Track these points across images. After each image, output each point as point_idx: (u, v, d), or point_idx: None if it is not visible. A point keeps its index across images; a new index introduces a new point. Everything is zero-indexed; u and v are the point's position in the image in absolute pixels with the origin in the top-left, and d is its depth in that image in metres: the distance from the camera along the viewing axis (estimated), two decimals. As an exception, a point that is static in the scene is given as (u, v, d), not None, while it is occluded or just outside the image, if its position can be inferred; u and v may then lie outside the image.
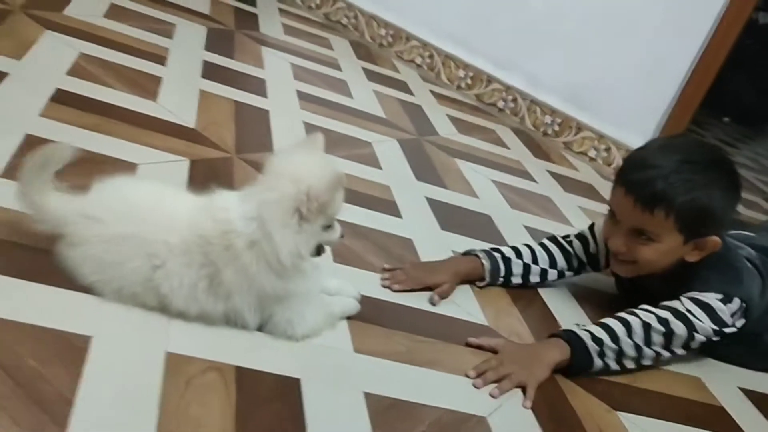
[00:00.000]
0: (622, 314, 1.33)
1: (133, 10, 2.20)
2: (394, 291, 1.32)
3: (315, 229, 0.98)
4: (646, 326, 1.30)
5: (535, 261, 1.50)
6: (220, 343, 1.00)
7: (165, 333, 0.97)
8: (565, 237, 1.57)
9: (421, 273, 1.37)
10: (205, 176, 1.42)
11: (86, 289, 0.98)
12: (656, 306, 1.35)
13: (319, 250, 1.04)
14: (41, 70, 1.58)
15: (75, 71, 1.63)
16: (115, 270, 0.96)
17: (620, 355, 1.29)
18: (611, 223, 1.40)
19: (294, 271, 0.98)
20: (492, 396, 1.15)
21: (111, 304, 0.98)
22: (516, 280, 1.49)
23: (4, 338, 0.85)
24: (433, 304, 1.33)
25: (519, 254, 1.49)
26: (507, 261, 1.47)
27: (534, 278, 1.51)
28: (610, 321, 1.32)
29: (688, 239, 1.33)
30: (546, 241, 1.55)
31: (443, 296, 1.35)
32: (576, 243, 1.55)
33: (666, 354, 1.33)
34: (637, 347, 1.30)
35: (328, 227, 1.02)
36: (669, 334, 1.31)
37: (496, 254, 1.46)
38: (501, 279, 1.46)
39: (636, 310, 1.34)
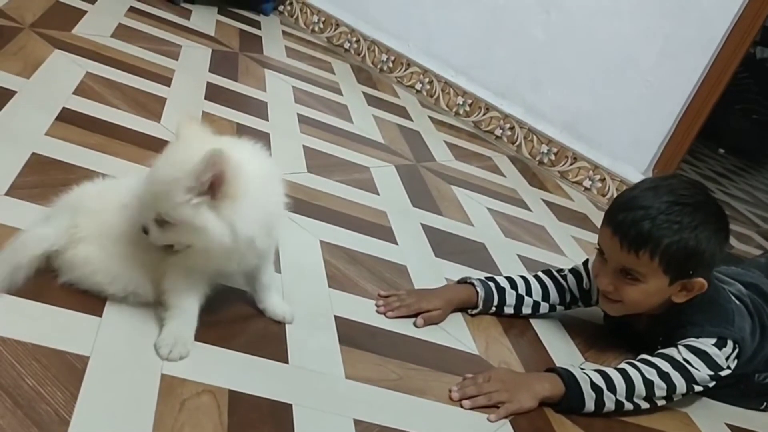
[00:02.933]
0: (625, 366, 1.33)
1: (141, 30, 2.24)
2: (388, 318, 1.34)
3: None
4: (648, 384, 1.31)
5: (528, 293, 1.53)
6: (214, 365, 1.03)
7: (161, 355, 1.00)
8: (560, 271, 1.59)
9: (415, 300, 1.39)
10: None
11: (84, 308, 1.00)
12: (651, 352, 1.37)
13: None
14: (49, 88, 1.61)
15: (81, 90, 1.66)
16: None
17: (617, 405, 1.30)
18: (599, 262, 1.42)
19: None
20: (463, 407, 1.17)
21: (109, 324, 1.00)
22: (508, 310, 1.51)
23: (3, 357, 0.87)
24: (416, 326, 1.35)
25: (513, 285, 1.51)
26: (501, 291, 1.49)
27: (526, 310, 1.53)
28: (611, 372, 1.31)
29: (674, 280, 1.34)
30: (541, 274, 1.57)
31: (430, 322, 1.37)
32: (570, 278, 1.57)
33: (663, 403, 1.35)
34: (636, 403, 1.31)
35: None
36: (670, 389, 1.32)
37: (491, 283, 1.49)
38: (494, 308, 1.49)
39: (638, 364, 1.33)
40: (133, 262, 1.02)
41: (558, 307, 1.57)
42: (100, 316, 1.01)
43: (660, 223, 1.29)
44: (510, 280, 1.52)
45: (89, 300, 1.02)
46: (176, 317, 1.03)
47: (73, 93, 1.63)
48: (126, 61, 1.95)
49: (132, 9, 2.41)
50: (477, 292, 1.46)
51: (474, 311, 1.47)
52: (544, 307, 1.55)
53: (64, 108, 1.54)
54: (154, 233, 0.98)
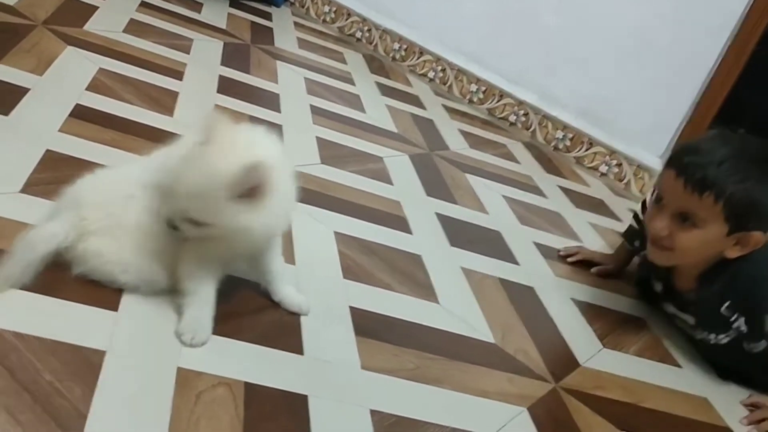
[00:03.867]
0: None
1: (152, 25, 2.25)
2: (568, 262, 1.78)
3: None
4: None
5: None
6: (230, 358, 1.03)
7: (176, 347, 1.00)
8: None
9: (592, 252, 1.81)
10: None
11: (100, 303, 1.01)
12: (686, 325, 1.47)
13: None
14: (62, 85, 1.61)
15: (94, 86, 1.67)
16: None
17: None
18: (656, 207, 1.41)
19: None
20: None
21: (124, 318, 1.01)
22: None
23: (21, 353, 0.88)
24: (593, 273, 1.78)
25: None
26: None
27: None
28: None
29: (732, 231, 1.32)
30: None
31: (605, 273, 1.79)
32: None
33: None
34: None
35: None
36: None
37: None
38: None
39: None
40: (145, 251, 1.03)
41: None
42: (116, 310, 1.01)
43: (726, 170, 1.27)
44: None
45: (105, 295, 1.03)
46: (195, 303, 1.04)
47: (86, 89, 1.64)
48: (138, 56, 1.96)
49: (143, 4, 2.41)
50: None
51: None
52: None
53: (77, 104, 1.54)
54: (187, 230, 0.99)
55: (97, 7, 2.17)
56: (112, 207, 1.03)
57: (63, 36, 1.86)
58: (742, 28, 2.43)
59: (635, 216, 1.74)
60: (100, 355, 0.93)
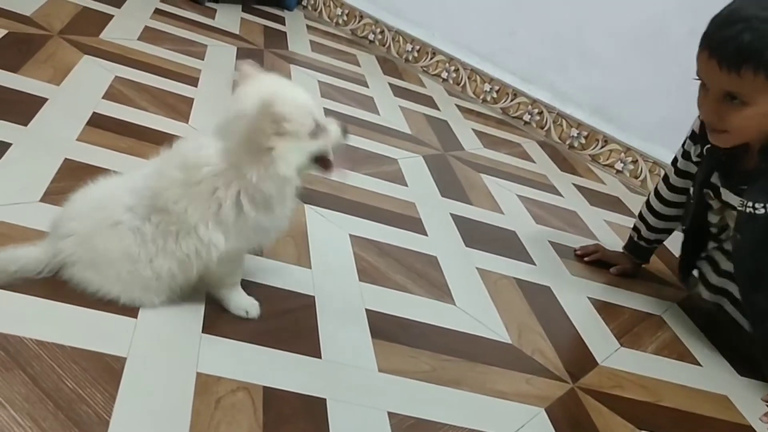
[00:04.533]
0: None
1: (166, 32, 2.27)
2: (585, 261, 1.79)
3: (290, 149, 0.99)
4: None
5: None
6: (248, 363, 1.04)
7: (195, 353, 1.01)
8: (671, 188, 1.69)
9: (611, 252, 1.81)
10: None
11: (120, 310, 1.02)
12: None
13: (324, 164, 1.07)
14: (79, 94, 1.64)
15: (110, 95, 1.69)
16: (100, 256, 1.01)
17: None
18: (702, 93, 1.34)
19: (280, 198, 1.01)
20: None
21: (144, 324, 1.02)
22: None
23: (44, 360, 0.90)
24: (611, 273, 1.79)
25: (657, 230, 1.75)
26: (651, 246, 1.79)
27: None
28: None
29: None
30: (663, 209, 1.72)
31: (623, 273, 1.79)
32: (680, 184, 1.67)
33: None
34: None
35: (314, 135, 1.02)
36: None
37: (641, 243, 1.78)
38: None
39: None
40: (134, 277, 1.02)
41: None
42: (136, 317, 1.03)
43: (763, 33, 1.18)
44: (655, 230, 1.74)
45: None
46: (236, 289, 1.12)
47: (103, 97, 1.66)
48: (153, 63, 1.98)
49: (157, 11, 2.44)
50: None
51: None
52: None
53: (94, 113, 1.57)
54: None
55: (112, 16, 2.20)
56: (97, 239, 1.01)
57: (79, 45, 1.88)
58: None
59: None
60: (121, 361, 0.94)
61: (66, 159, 1.35)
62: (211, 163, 0.98)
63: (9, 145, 1.32)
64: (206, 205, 0.99)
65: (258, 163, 0.97)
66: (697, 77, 1.34)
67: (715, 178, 1.52)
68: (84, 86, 1.68)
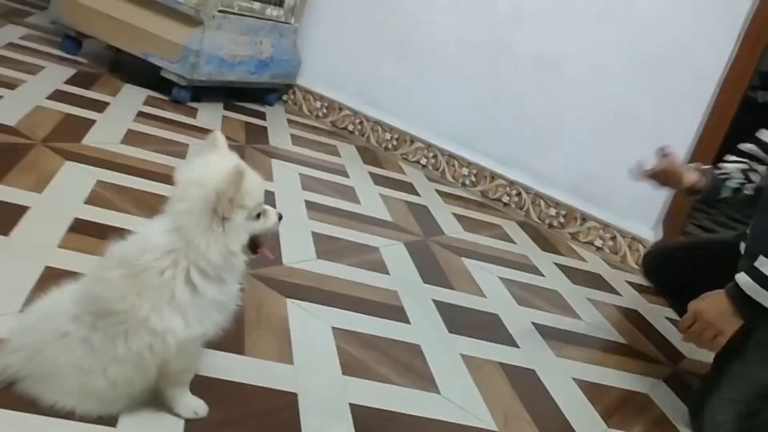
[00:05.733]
0: None
1: (149, 134, 2.32)
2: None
3: (241, 223, 1.00)
4: None
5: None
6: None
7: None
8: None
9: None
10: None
11: (98, 420, 1.01)
12: None
13: (254, 246, 1.06)
14: (60, 200, 1.66)
15: (92, 199, 1.72)
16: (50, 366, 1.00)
17: None
18: None
19: (228, 270, 1.01)
20: None
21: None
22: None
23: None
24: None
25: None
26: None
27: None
28: None
29: None
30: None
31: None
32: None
33: None
34: None
35: (257, 216, 1.04)
36: None
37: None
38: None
39: None
40: (87, 389, 1.00)
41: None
42: (115, 426, 1.02)
43: None
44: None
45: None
46: (186, 390, 1.10)
47: (85, 202, 1.69)
48: (135, 165, 2.02)
49: (140, 113, 2.50)
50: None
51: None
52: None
53: (75, 218, 1.59)
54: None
55: (94, 121, 2.26)
56: (45, 353, 1.00)
57: (61, 152, 1.92)
58: (720, 95, 2.51)
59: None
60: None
61: (47, 267, 1.36)
62: (153, 248, 0.98)
63: (-10, 255, 1.34)
64: (156, 292, 0.97)
65: (210, 232, 0.98)
66: None
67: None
68: (66, 192, 1.71)
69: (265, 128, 2.93)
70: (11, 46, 2.79)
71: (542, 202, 2.81)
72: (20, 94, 2.28)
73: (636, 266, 2.60)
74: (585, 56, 2.69)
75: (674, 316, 2.25)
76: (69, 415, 1.01)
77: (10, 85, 2.33)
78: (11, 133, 1.94)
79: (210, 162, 1.02)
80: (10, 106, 2.14)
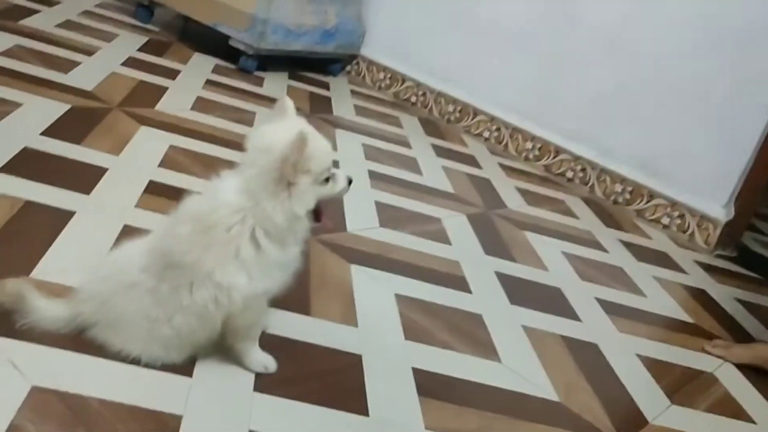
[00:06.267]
0: None
1: (217, 101, 2.37)
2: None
3: (307, 188, 1.02)
4: None
5: None
6: (299, 421, 1.07)
7: (248, 412, 1.04)
8: None
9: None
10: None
11: (175, 369, 1.06)
12: None
13: (317, 214, 1.08)
14: (136, 163, 1.72)
15: (166, 162, 1.77)
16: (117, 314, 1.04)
17: None
18: None
19: (291, 233, 1.04)
20: None
21: (199, 383, 1.06)
22: None
23: (105, 418, 0.94)
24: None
25: None
26: None
27: None
28: None
29: None
30: None
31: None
32: None
33: None
34: None
35: (326, 180, 1.05)
36: None
37: None
38: None
39: None
40: (153, 336, 1.05)
41: None
42: (191, 376, 1.07)
43: None
44: None
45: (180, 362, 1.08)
46: (255, 345, 1.14)
47: (159, 165, 1.75)
48: (205, 131, 2.07)
49: (209, 82, 2.56)
50: None
51: None
52: None
53: (150, 180, 1.65)
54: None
55: (167, 88, 2.32)
56: (115, 299, 1.04)
57: (137, 117, 1.99)
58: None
59: None
60: (177, 419, 0.98)
61: (126, 225, 1.42)
62: (224, 204, 1.01)
63: (73, 213, 1.40)
64: (223, 248, 1.01)
65: (276, 197, 1.01)
66: None
67: None
68: (141, 155, 1.77)
69: (328, 98, 2.95)
70: (87, 13, 2.88)
71: (608, 178, 2.76)
72: (96, 61, 2.35)
73: (705, 245, 2.54)
74: (657, 30, 2.61)
75: (744, 297, 2.21)
76: (148, 364, 1.05)
77: (87, 51, 2.40)
78: (89, 98, 2.01)
79: (278, 128, 1.05)
80: (87, 71, 2.21)
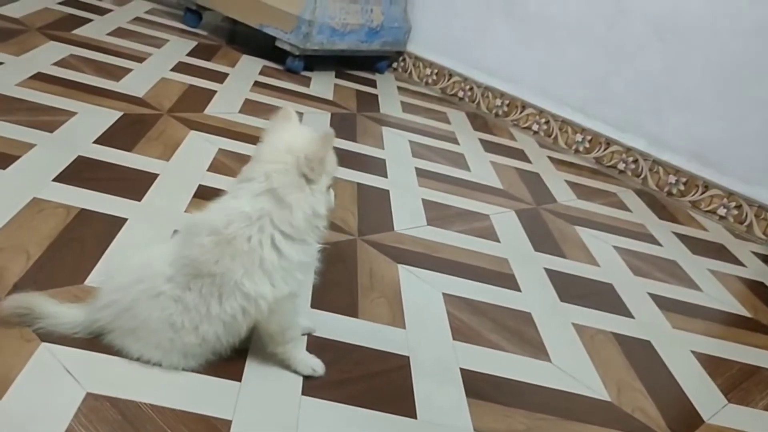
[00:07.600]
0: None
1: (265, 103, 2.40)
2: None
3: (323, 189, 1.06)
4: None
5: None
6: (347, 424, 1.08)
7: (296, 415, 1.06)
8: None
9: None
10: (330, 261, 1.51)
11: (224, 374, 1.09)
12: None
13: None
14: (186, 168, 1.76)
15: (215, 167, 1.81)
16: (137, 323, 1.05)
17: None
18: None
19: (311, 232, 1.06)
20: None
21: (248, 388, 1.08)
22: None
23: (157, 424, 0.97)
24: None
25: None
26: None
27: None
28: None
29: None
30: None
31: None
32: None
33: None
34: None
35: (328, 188, 1.08)
36: None
37: None
38: None
39: None
40: (175, 344, 1.05)
41: None
42: (240, 380, 1.09)
43: None
44: None
45: (229, 366, 1.11)
46: (297, 346, 1.15)
47: (208, 170, 1.78)
48: (253, 134, 2.09)
49: (256, 83, 2.59)
50: None
51: None
52: None
53: (200, 185, 1.68)
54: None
55: (215, 92, 2.36)
56: (138, 309, 1.04)
57: (186, 122, 2.03)
58: None
59: None
60: (226, 424, 1.00)
61: (176, 231, 1.45)
62: (239, 216, 1.02)
63: (125, 220, 1.44)
64: (247, 257, 1.01)
65: (302, 189, 1.03)
66: None
67: None
68: (191, 160, 1.81)
69: (375, 96, 2.96)
70: (138, 20, 2.95)
71: (660, 169, 2.70)
72: (147, 67, 2.41)
73: (764, 236, 2.46)
74: (711, 15, 2.53)
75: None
76: (203, 368, 1.08)
77: (138, 58, 2.46)
78: (140, 104, 2.06)
79: (290, 132, 1.07)
80: (138, 78, 2.27)
